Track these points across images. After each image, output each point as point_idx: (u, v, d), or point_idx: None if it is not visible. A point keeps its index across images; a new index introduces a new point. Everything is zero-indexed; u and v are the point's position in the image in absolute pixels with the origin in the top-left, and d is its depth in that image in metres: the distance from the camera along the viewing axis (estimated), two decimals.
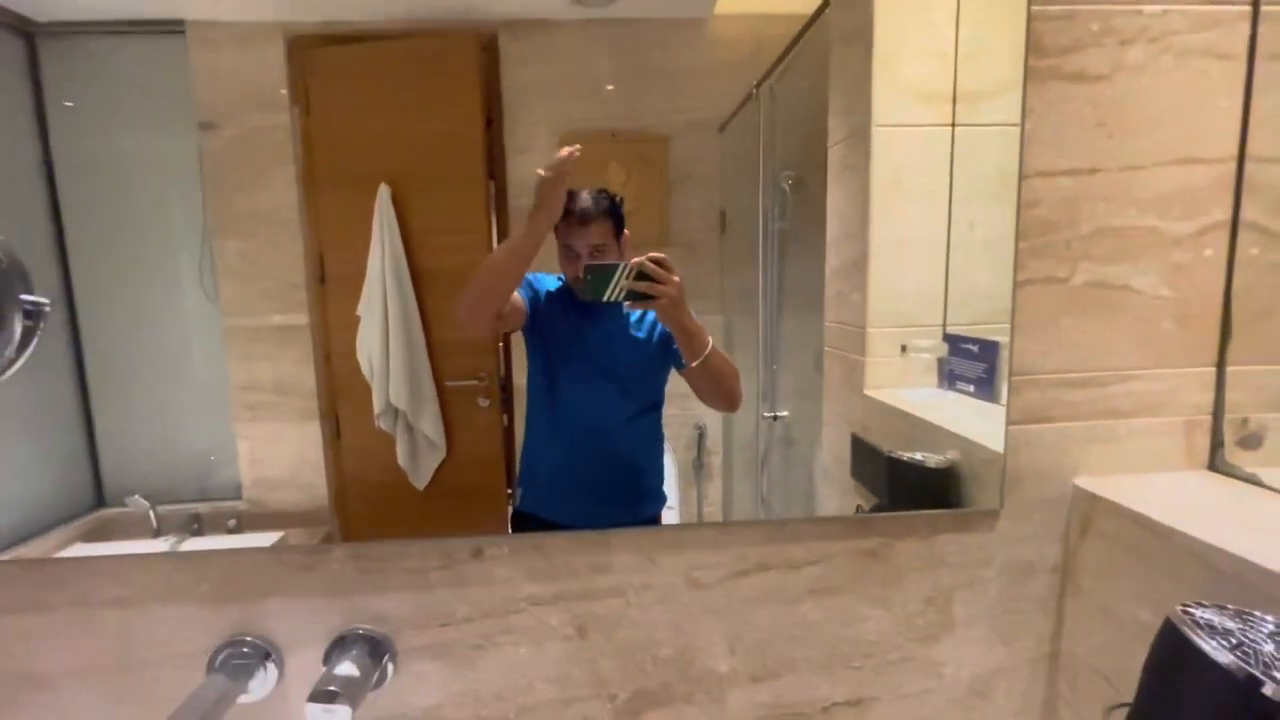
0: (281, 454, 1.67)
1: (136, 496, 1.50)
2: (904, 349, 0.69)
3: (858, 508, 0.69)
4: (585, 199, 1.12)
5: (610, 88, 1.55)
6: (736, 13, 1.54)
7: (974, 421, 0.55)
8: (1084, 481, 0.55)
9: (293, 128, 1.63)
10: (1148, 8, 0.59)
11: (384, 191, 1.57)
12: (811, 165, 1.48)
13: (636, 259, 0.88)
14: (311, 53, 1.60)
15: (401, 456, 1.57)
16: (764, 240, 1.29)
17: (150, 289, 1.69)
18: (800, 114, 1.35)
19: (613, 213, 1.14)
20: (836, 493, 0.84)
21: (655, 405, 1.16)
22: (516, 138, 1.58)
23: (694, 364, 0.96)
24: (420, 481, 1.60)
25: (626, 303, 0.90)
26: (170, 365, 1.72)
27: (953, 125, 0.70)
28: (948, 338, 0.72)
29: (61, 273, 1.62)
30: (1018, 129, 0.70)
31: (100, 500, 1.60)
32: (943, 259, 0.72)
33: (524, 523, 1.20)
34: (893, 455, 0.53)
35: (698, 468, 1.60)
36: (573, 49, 1.54)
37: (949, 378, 0.69)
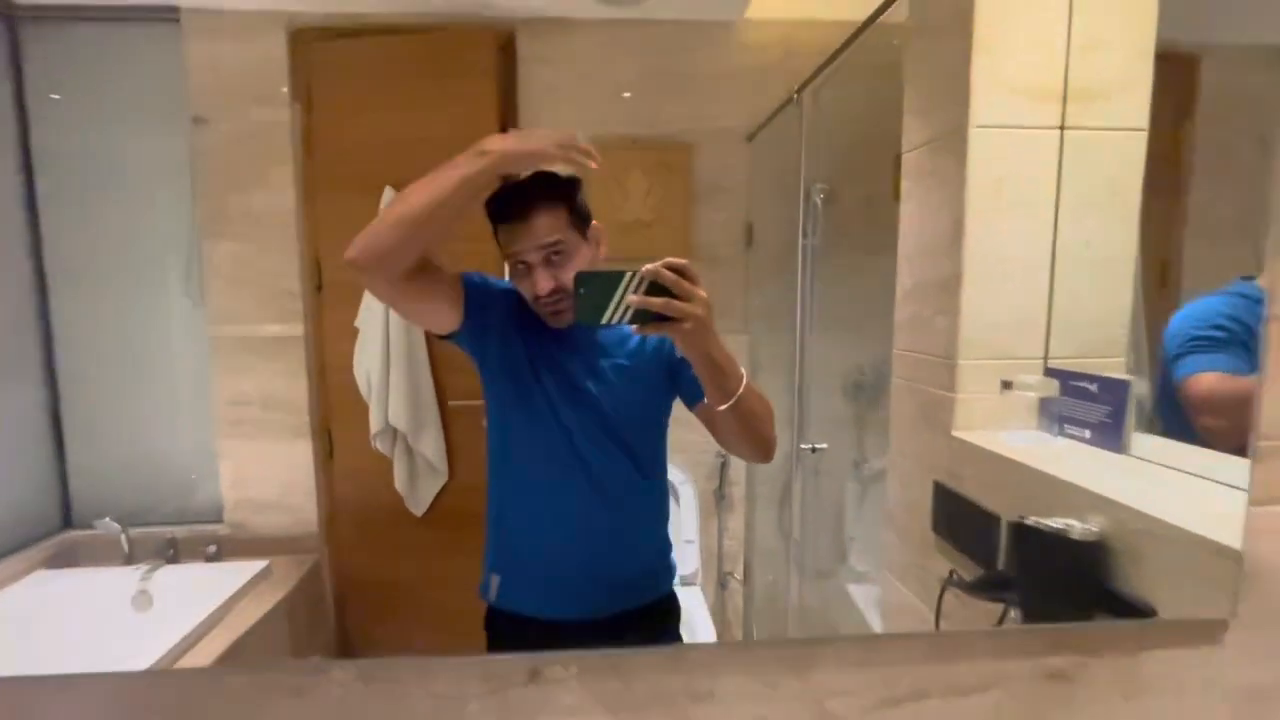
0: (268, 475, 1.55)
1: (107, 519, 1.37)
2: (1007, 385, 0.59)
3: (951, 574, 0.59)
4: (516, 186, 0.79)
5: (633, 92, 1.47)
6: (767, 17, 1.46)
7: (1112, 478, 0.45)
8: None
9: (293, 125, 1.52)
10: None
11: (389, 195, 1.47)
12: (849, 177, 1.40)
13: (649, 266, 0.60)
14: (316, 46, 1.50)
15: (399, 480, 1.45)
16: (801, 256, 1.21)
17: (132, 293, 1.57)
18: (841, 122, 1.27)
19: (561, 193, 0.79)
20: (907, 545, 0.73)
21: (656, 456, 0.93)
22: None
23: (723, 406, 0.69)
24: (419, 508, 1.49)
25: (634, 326, 0.61)
26: (151, 376, 1.60)
27: (1061, 128, 0.61)
28: (1051, 372, 0.62)
29: (36, 273, 1.50)
30: (1136, 134, 0.62)
31: (68, 521, 1.47)
32: (1045, 281, 0.62)
33: (502, 624, 0.91)
34: (1023, 522, 0.44)
35: (719, 498, 1.49)
36: (595, 50, 1.46)
37: (1057, 420, 0.60)
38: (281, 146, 1.50)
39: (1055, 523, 0.45)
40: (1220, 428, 0.67)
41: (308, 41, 1.49)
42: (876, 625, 1.31)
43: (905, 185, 0.71)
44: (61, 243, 1.52)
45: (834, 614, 1.48)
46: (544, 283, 0.78)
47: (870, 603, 1.34)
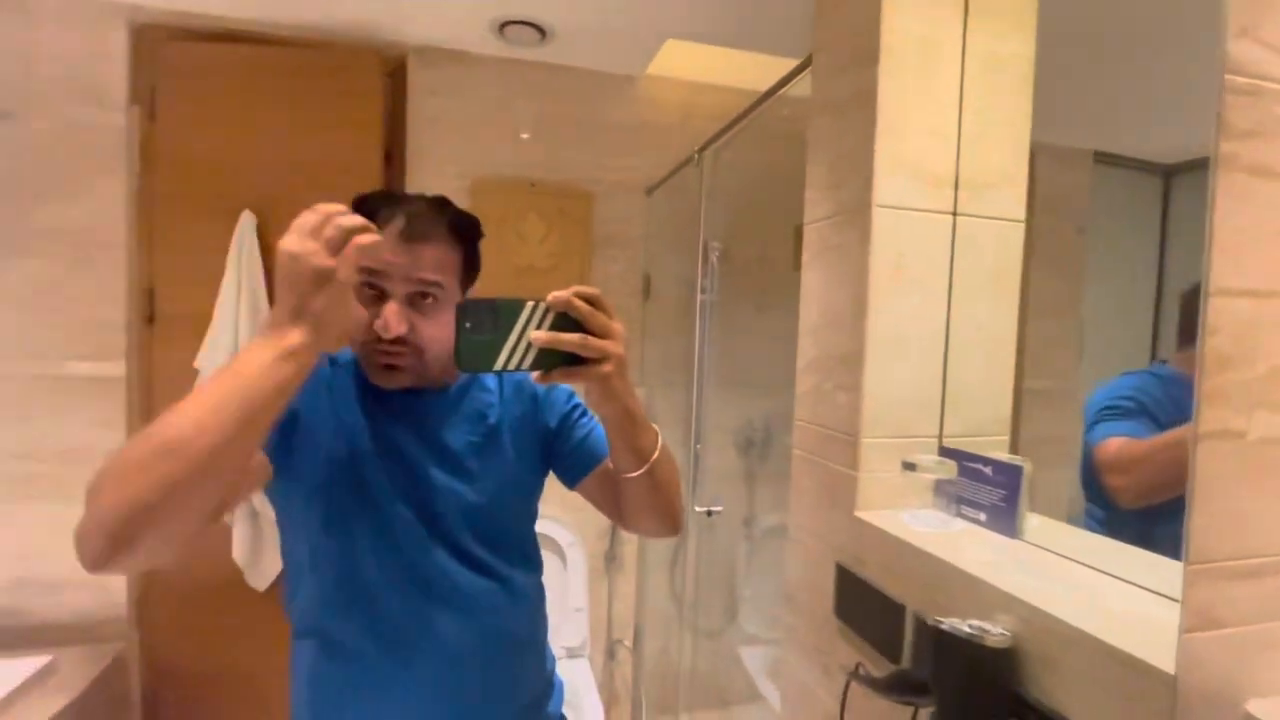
0: (64, 546, 1.25)
1: None
2: (910, 467, 0.58)
3: (858, 666, 0.56)
4: (417, 203, 0.61)
5: (532, 134, 1.42)
6: (669, 75, 1.49)
7: (1019, 573, 0.44)
8: (1259, 708, 0.35)
9: (129, 131, 1.28)
10: None
11: (247, 220, 1.30)
12: (743, 237, 1.42)
13: (558, 294, 0.47)
14: (166, 46, 1.30)
15: (239, 549, 1.24)
16: (699, 312, 1.20)
17: None
18: (737, 184, 1.29)
19: (466, 233, 0.63)
20: (810, 627, 0.70)
21: (529, 561, 0.69)
22: (420, 175, 1.39)
23: (638, 472, 0.55)
24: (261, 581, 1.27)
25: (535, 373, 0.48)
26: None
27: (954, 213, 0.63)
28: (946, 451, 0.63)
29: None
30: (1013, 224, 0.65)
31: None
32: (940, 360, 0.63)
33: None
34: (939, 625, 0.41)
35: (609, 560, 1.42)
36: (493, 87, 1.40)
37: (954, 501, 0.60)
38: (112, 154, 1.28)
39: (968, 627, 0.43)
40: (1126, 485, 0.73)
41: (155, 40, 1.30)
42: (768, 693, 1.28)
43: (806, 257, 0.71)
44: None
45: (724, 679, 1.44)
46: (396, 323, 0.56)
47: (760, 667, 1.31)
